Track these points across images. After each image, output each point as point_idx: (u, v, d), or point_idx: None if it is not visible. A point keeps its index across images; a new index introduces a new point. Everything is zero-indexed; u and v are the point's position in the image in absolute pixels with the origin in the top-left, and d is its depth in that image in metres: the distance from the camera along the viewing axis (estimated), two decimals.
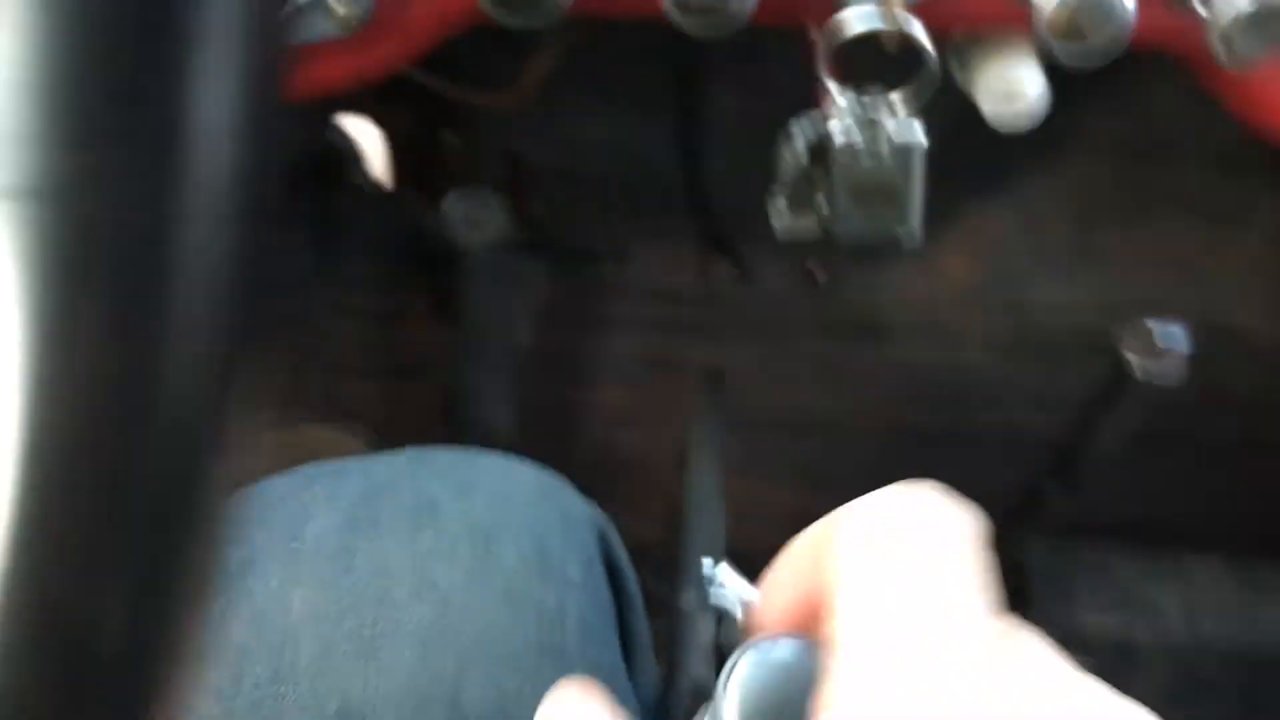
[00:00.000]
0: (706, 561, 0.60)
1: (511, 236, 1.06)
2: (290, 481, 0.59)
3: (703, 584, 0.64)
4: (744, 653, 0.36)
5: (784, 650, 0.36)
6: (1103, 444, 0.80)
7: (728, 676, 0.36)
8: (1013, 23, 0.62)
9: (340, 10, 0.62)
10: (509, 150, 1.16)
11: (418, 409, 1.30)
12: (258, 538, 0.55)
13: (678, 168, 1.15)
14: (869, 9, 0.58)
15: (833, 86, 0.62)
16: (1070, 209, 1.23)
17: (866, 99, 0.62)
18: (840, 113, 0.63)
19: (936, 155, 0.97)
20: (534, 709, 0.36)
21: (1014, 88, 0.64)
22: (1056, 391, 1.22)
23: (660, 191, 1.19)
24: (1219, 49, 0.57)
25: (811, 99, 0.66)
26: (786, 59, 0.67)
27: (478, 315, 1.20)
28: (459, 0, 0.63)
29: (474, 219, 1.01)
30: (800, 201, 0.69)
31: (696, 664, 0.67)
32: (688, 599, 0.70)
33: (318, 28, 0.63)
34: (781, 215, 0.70)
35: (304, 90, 0.68)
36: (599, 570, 0.59)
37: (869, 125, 0.62)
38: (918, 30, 0.57)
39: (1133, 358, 0.74)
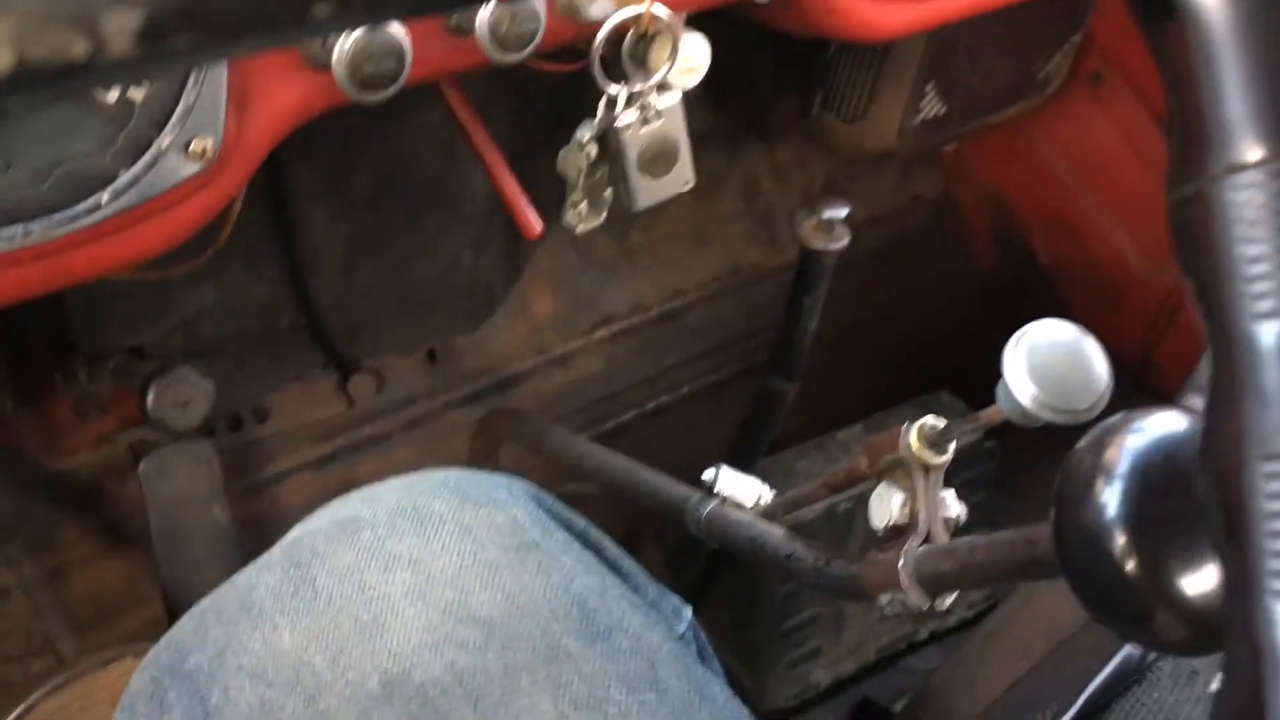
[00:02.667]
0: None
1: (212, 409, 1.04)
2: None
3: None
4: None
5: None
6: (807, 324, 1.01)
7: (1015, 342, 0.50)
8: None
9: (198, 146, 0.64)
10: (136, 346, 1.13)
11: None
12: None
13: (290, 303, 1.20)
14: (605, 1, 0.73)
15: (605, 84, 0.77)
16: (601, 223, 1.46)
17: (634, 88, 0.77)
18: (616, 101, 0.78)
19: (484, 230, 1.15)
20: None
21: None
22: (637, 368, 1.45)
23: (284, 332, 1.22)
24: None
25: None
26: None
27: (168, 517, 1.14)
28: (292, 100, 0.68)
29: (181, 400, 0.99)
30: (594, 199, 0.82)
31: None
32: None
33: (176, 174, 0.65)
34: (581, 217, 0.82)
35: (165, 247, 0.68)
36: (561, 536, 0.66)
37: (640, 103, 0.78)
38: (661, 10, 0.74)
39: (811, 236, 0.96)
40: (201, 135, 0.65)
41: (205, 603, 0.62)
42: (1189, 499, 0.40)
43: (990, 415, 0.53)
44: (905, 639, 1.33)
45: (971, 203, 1.61)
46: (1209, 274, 0.27)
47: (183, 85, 0.63)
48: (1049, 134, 1.47)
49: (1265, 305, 0.26)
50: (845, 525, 1.23)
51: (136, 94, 0.63)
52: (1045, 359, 0.49)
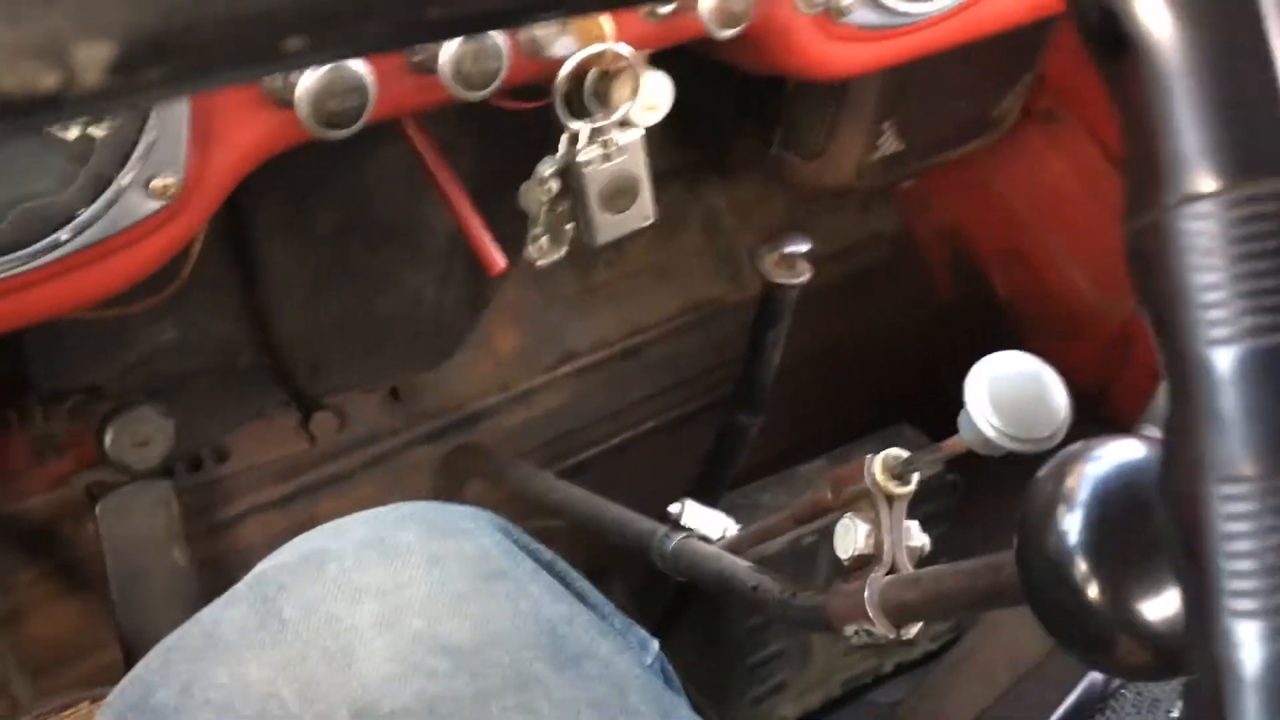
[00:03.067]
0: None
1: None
2: None
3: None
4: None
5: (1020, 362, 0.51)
6: (770, 358, 1.01)
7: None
8: None
9: (160, 183, 0.64)
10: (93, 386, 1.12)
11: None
12: None
13: (252, 341, 1.19)
14: (567, 39, 0.74)
15: (568, 120, 0.77)
16: (564, 260, 1.47)
17: (596, 124, 0.78)
18: (578, 138, 0.78)
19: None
20: None
21: None
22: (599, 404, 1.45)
23: (245, 370, 1.21)
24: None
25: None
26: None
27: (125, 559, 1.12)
28: (255, 137, 0.68)
29: (140, 439, 0.98)
30: (556, 234, 0.82)
31: None
32: None
33: (137, 211, 0.64)
34: (542, 250, 0.83)
35: (126, 284, 0.67)
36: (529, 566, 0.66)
37: (602, 139, 0.78)
38: (623, 48, 0.75)
39: (773, 270, 0.97)
40: (163, 173, 0.64)
41: (170, 639, 0.62)
42: (1149, 525, 0.41)
43: (953, 445, 0.54)
44: (871, 672, 1.33)
45: (930, 238, 1.63)
46: (1165, 302, 0.27)
47: (144, 122, 0.63)
48: (1004, 171, 1.50)
49: (1220, 332, 0.26)
50: (810, 559, 1.23)
51: (97, 131, 0.62)
52: (1006, 389, 0.50)
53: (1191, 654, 0.27)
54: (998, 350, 0.51)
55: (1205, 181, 0.27)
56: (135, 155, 0.63)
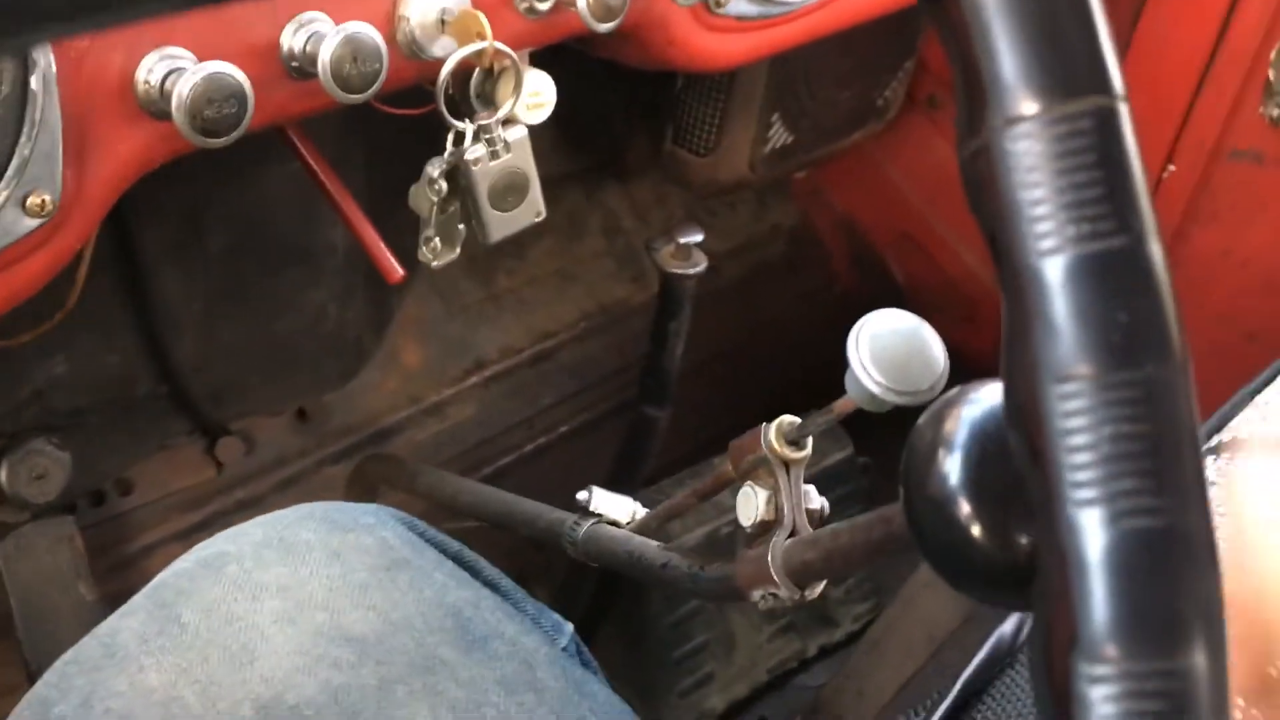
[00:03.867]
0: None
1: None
2: None
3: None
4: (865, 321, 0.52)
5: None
6: (673, 349, 1.02)
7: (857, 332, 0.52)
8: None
9: (35, 200, 0.63)
10: None
11: None
12: None
13: (148, 369, 1.17)
14: (446, 39, 0.74)
15: (452, 121, 0.78)
16: (465, 269, 1.47)
17: (480, 122, 0.78)
18: (464, 137, 0.79)
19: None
20: None
21: None
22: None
23: (144, 399, 1.19)
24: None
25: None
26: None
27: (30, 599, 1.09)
28: (133, 150, 0.67)
29: (36, 473, 0.96)
30: (448, 235, 0.82)
31: None
32: None
33: (14, 229, 0.63)
34: (436, 252, 0.83)
35: (7, 305, 0.66)
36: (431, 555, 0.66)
37: (487, 137, 0.79)
38: (502, 46, 0.75)
39: (669, 262, 0.98)
40: (39, 189, 0.63)
41: (68, 655, 0.61)
42: None
43: (842, 405, 0.55)
44: (795, 656, 1.35)
45: (827, 228, 1.66)
46: (997, 220, 0.29)
47: (16, 139, 0.62)
48: (892, 157, 1.53)
49: (1048, 244, 0.28)
50: (729, 549, 1.24)
51: None
52: (887, 346, 0.51)
53: (1040, 550, 0.28)
54: None
55: (1026, 105, 0.29)
56: (9, 172, 0.62)
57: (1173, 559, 0.27)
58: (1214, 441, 0.76)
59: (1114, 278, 0.28)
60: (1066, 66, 0.28)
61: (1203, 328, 1.31)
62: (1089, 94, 0.28)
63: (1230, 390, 0.82)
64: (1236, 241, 1.28)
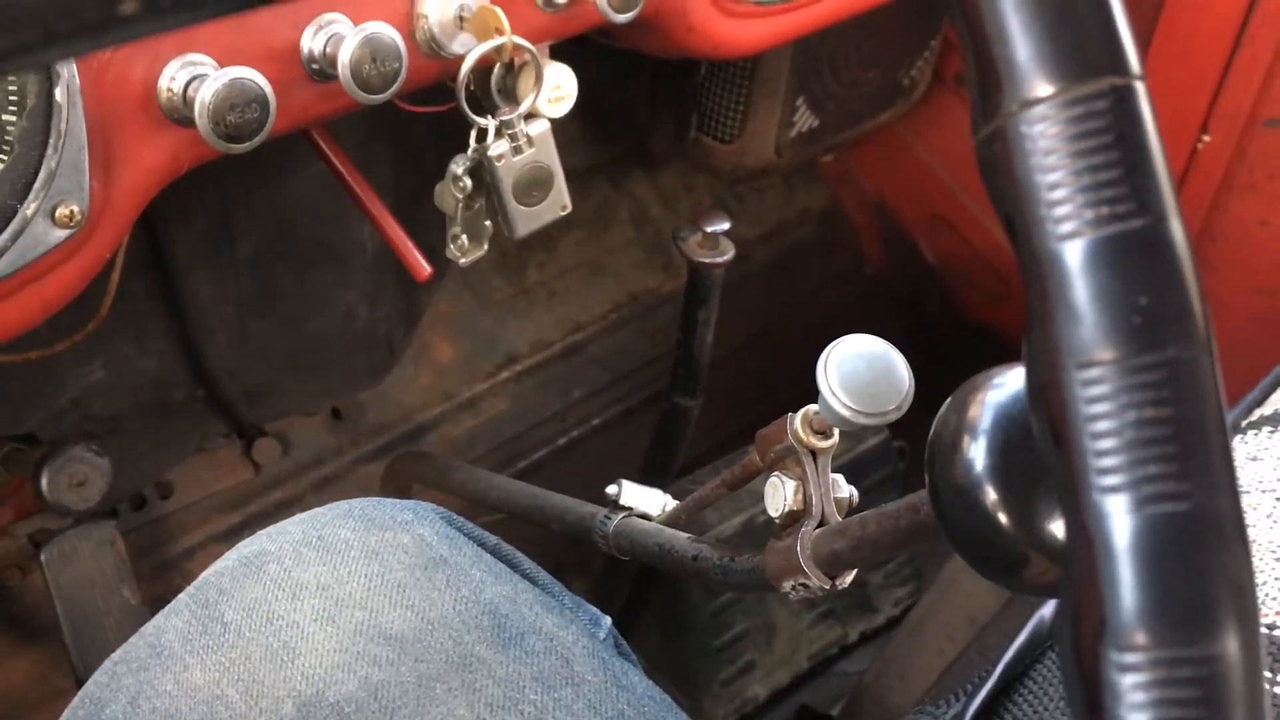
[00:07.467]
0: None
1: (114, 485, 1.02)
2: None
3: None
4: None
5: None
6: (703, 338, 1.02)
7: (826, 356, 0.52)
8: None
9: (64, 211, 0.64)
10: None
11: None
12: None
13: (184, 373, 1.18)
14: (465, 35, 0.74)
15: (474, 117, 0.78)
16: (495, 264, 1.47)
17: (502, 117, 0.78)
18: (486, 133, 0.79)
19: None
20: None
21: None
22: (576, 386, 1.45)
23: (180, 403, 1.20)
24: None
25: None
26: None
27: (76, 604, 1.11)
28: (158, 157, 0.68)
29: (77, 480, 0.97)
30: (474, 231, 0.83)
31: None
32: None
33: (45, 241, 0.64)
34: (464, 249, 0.83)
35: (42, 315, 0.67)
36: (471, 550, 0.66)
37: (510, 132, 0.79)
38: (521, 40, 0.75)
39: (696, 251, 0.98)
40: (67, 200, 0.64)
41: (116, 655, 0.62)
42: None
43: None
44: (836, 643, 1.34)
45: (856, 210, 1.65)
46: (1015, 204, 0.28)
47: (43, 151, 0.63)
48: (921, 137, 1.52)
49: (1067, 227, 0.27)
50: (765, 537, 1.24)
51: None
52: (852, 371, 0.52)
53: (1068, 536, 0.28)
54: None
55: (1041, 87, 0.28)
56: (37, 185, 0.63)
57: (1201, 544, 0.26)
58: (1255, 415, 0.75)
59: (1134, 260, 0.27)
60: (1081, 47, 0.28)
61: (1242, 299, 1.29)
62: (1104, 74, 0.28)
63: (1271, 363, 0.80)
64: (1275, 212, 1.26)
